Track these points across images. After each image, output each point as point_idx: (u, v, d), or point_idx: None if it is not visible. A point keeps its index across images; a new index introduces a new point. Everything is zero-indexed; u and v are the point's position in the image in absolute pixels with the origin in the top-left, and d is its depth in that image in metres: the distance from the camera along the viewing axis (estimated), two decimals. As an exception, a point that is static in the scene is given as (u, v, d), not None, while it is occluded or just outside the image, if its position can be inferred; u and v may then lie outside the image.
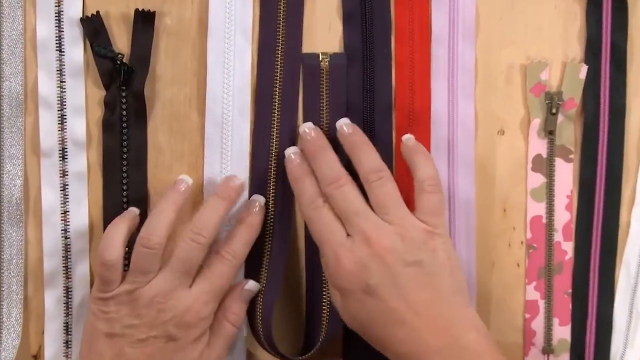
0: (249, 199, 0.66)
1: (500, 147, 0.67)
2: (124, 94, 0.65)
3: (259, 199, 0.64)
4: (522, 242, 0.69)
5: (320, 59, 0.66)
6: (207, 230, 0.61)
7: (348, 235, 0.59)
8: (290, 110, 0.66)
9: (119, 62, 0.64)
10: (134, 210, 0.64)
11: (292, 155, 0.63)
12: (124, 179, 0.66)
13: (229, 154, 0.66)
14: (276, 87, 0.66)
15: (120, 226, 0.61)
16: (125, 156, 0.66)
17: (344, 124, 0.62)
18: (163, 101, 0.67)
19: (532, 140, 0.68)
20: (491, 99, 0.68)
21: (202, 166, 0.66)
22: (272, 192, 0.66)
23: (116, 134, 0.65)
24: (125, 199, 0.66)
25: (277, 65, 0.65)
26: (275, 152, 0.66)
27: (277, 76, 0.65)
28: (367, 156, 0.60)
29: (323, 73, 0.65)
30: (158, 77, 0.66)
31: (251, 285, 0.64)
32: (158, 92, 0.67)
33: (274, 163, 0.66)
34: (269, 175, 0.67)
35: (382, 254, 0.58)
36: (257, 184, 0.67)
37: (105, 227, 0.65)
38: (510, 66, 0.68)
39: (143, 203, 0.66)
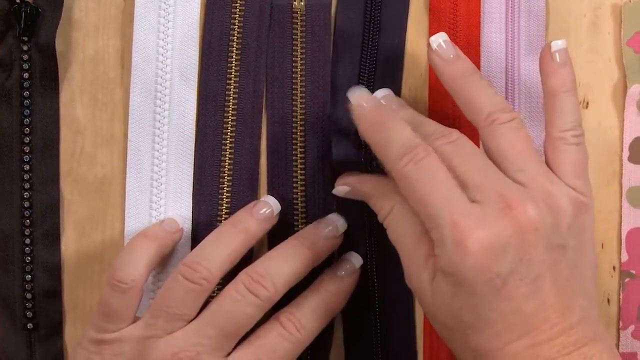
0: (194, 205, 0.59)
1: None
2: (25, 48, 0.59)
3: (354, 258, 0.59)
4: (614, 268, 0.63)
5: (293, -5, 0.60)
6: (278, 281, 0.55)
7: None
8: (254, 71, 0.60)
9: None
10: (173, 224, 0.58)
11: (359, 96, 0.55)
12: (25, 172, 0.59)
13: (164, 136, 0.60)
14: (233, 39, 0.60)
15: (149, 242, 0.56)
16: (27, 140, 0.59)
17: (442, 41, 0.56)
18: (83, 59, 0.61)
19: (629, 116, 0.63)
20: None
21: (124, 154, 0.60)
22: (227, 196, 0.59)
23: (13, 108, 0.59)
24: (27, 204, 0.59)
25: (236, 6, 0.60)
26: (230, 133, 0.60)
27: (235, 23, 0.60)
28: (486, 91, 0.55)
29: (297, 18, 0.60)
30: (76, 23, 0.61)
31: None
32: (76, 45, 0.61)
33: (230, 150, 0.59)
34: (222, 168, 0.60)
35: (525, 229, 0.50)
36: (204, 183, 0.59)
37: (-5, 248, 0.59)
38: (597, 6, 0.62)
39: (54, 211, 0.59)
